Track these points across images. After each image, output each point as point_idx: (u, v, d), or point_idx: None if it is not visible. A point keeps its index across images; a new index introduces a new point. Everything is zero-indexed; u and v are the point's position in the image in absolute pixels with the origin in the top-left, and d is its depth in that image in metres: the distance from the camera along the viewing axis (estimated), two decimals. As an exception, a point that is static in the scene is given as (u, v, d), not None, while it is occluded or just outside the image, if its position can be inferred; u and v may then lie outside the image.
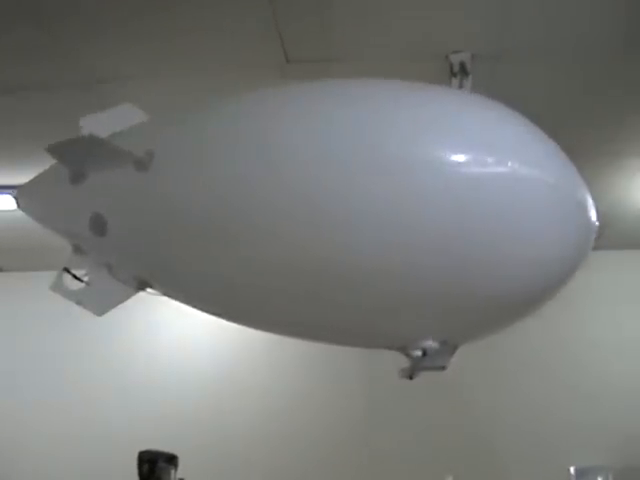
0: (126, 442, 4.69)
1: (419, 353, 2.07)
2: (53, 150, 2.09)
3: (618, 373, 5.08)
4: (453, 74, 3.00)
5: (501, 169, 1.94)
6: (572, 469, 4.89)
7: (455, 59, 3.01)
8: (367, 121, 1.96)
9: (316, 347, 5.28)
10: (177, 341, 5.68)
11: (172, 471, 4.62)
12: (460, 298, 2.00)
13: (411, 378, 2.24)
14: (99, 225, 2.11)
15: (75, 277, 2.22)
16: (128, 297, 2.22)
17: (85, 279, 2.22)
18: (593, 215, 2.09)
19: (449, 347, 2.13)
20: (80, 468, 5.28)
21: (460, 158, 1.92)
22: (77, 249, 2.26)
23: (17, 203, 2.34)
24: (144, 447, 4.52)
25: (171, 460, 4.62)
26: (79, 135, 2.12)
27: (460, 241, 1.89)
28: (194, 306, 2.28)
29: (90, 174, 2.14)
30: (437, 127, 1.98)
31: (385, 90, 2.11)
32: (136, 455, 4.52)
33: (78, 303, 2.22)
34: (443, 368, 2.15)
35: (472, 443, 5.16)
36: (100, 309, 2.22)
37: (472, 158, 1.93)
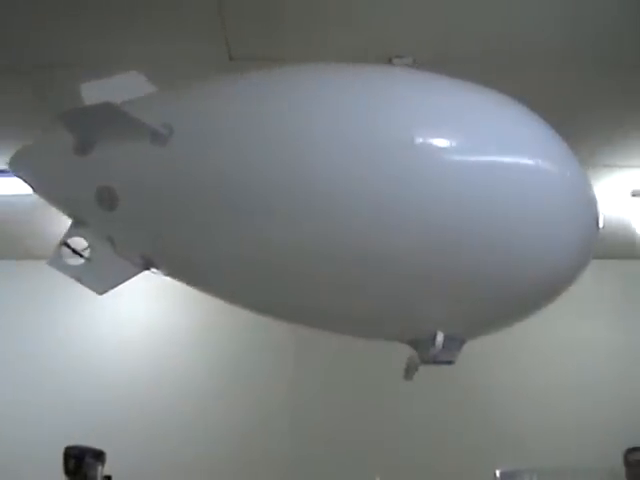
0: (55, 436, 4.51)
1: (432, 346, 2.06)
2: (64, 118, 1.97)
3: (546, 377, 5.26)
4: None
5: (526, 162, 1.97)
6: (498, 472, 5.03)
7: (398, 63, 3.07)
8: (378, 107, 1.95)
9: (246, 340, 5.32)
10: (112, 335, 5.52)
11: (99, 467, 4.49)
12: (467, 290, 2.01)
13: (410, 377, 2.23)
14: (108, 199, 2.01)
15: (75, 252, 2.10)
16: (132, 276, 2.13)
17: (86, 254, 2.11)
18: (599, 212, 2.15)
19: (458, 341, 2.13)
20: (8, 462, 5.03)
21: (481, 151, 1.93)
22: (77, 222, 2.14)
23: (11, 167, 2.20)
24: (72, 442, 4.39)
25: (98, 456, 4.49)
26: (93, 103, 2.00)
27: (472, 232, 1.89)
28: (200, 288, 2.20)
29: (97, 145, 2.03)
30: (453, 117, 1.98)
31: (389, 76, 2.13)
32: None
33: (77, 280, 2.10)
34: (451, 363, 2.15)
35: (400, 445, 5.22)
36: (101, 287, 2.12)
37: (488, 149, 1.95)
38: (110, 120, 1.95)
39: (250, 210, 1.92)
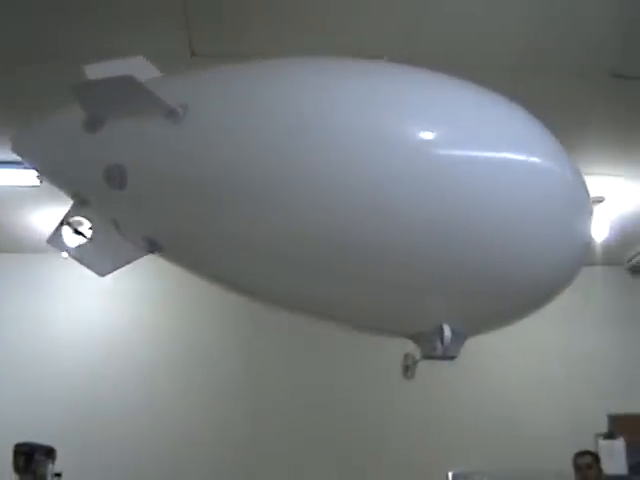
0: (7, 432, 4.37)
1: (441, 340, 2.07)
2: (80, 89, 1.91)
3: (499, 381, 5.34)
4: None
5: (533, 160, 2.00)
6: (450, 474, 5.09)
7: None
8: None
9: (198, 331, 5.27)
10: (62, 331, 5.39)
11: (49, 465, 4.37)
12: (464, 285, 2.03)
13: (412, 376, 2.24)
14: (118, 177, 1.95)
15: (77, 232, 2.03)
16: (135, 258, 2.07)
17: (88, 235, 2.04)
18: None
19: (462, 336, 2.15)
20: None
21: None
22: (80, 201, 2.07)
23: (13, 148, 2.11)
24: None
25: (49, 453, 4.38)
26: (110, 76, 1.94)
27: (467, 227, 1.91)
28: (201, 273, 2.16)
29: (108, 122, 1.98)
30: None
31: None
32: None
33: (78, 260, 2.03)
34: (453, 358, 2.16)
35: (355, 447, 5.23)
36: (103, 268, 2.05)
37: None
38: (128, 95, 1.90)
39: (255, 197, 1.90)
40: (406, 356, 2.27)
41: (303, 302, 2.18)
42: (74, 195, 2.10)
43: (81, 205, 2.08)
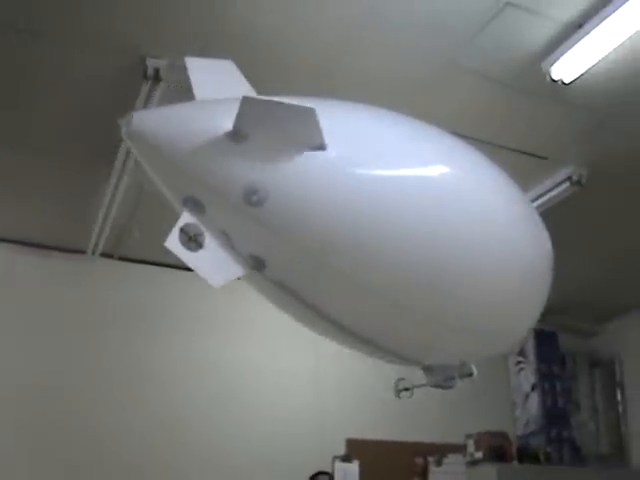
0: None
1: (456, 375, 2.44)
2: (244, 102, 1.93)
3: (250, 401, 5.53)
4: (146, 78, 3.20)
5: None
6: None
7: (151, 63, 3.18)
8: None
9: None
10: None
11: None
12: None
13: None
14: (259, 196, 1.98)
15: (192, 239, 2.00)
16: (242, 273, 2.08)
17: (202, 242, 2.02)
18: None
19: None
20: None
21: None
22: (195, 207, 2.03)
23: (127, 124, 1.98)
24: None
25: None
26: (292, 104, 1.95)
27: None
28: (304, 302, 2.20)
29: (253, 136, 2.00)
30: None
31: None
32: None
33: (193, 266, 1.99)
34: (451, 387, 2.53)
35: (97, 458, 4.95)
36: (216, 279, 2.03)
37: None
38: (299, 123, 1.96)
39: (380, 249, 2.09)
40: (399, 380, 2.58)
41: (354, 324, 2.33)
42: (187, 200, 2.04)
43: (196, 212, 2.03)
